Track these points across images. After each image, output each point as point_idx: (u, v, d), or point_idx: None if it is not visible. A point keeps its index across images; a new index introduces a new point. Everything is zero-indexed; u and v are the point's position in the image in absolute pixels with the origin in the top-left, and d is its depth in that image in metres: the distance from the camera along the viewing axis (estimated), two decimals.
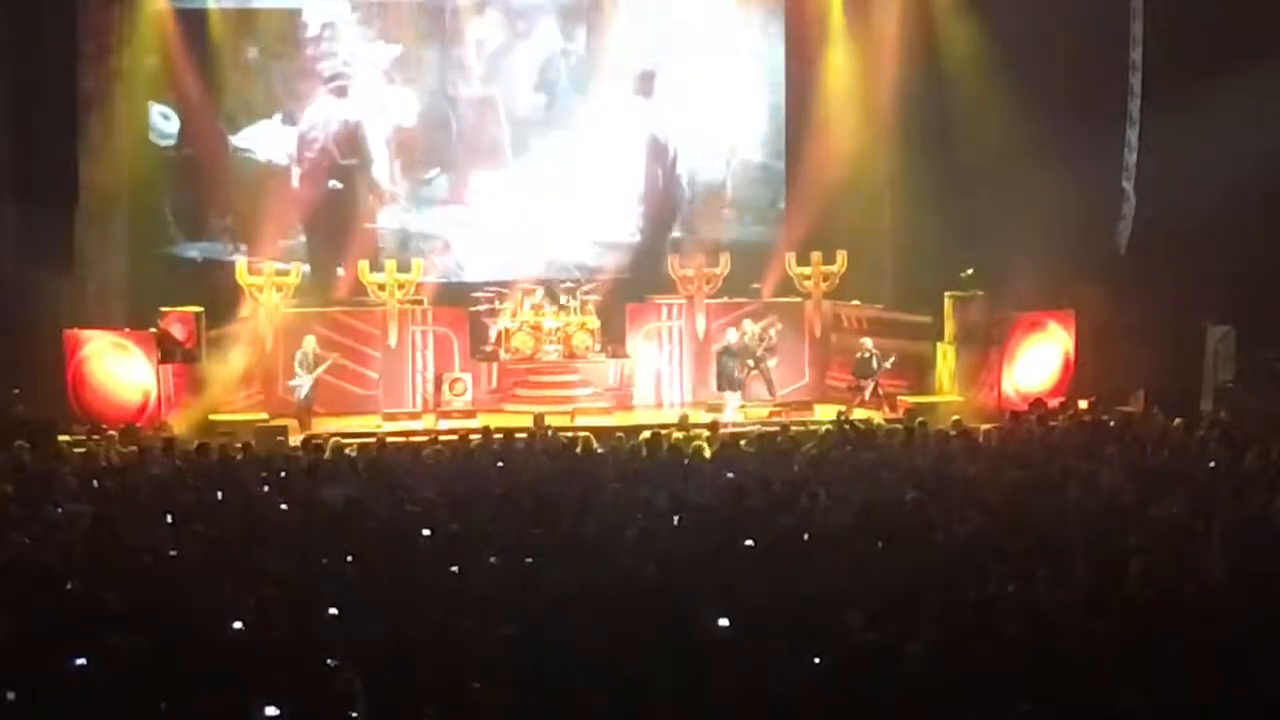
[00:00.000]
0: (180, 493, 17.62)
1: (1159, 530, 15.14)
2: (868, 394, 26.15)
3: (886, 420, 24.69)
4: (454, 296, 28.28)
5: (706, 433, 22.10)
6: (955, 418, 23.06)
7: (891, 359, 26.29)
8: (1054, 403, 25.02)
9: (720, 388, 26.61)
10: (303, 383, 25.53)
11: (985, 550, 14.58)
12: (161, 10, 27.44)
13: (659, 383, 27.89)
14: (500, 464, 19.55)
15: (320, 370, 25.71)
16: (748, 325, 27.04)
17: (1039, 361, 26.53)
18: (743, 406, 26.35)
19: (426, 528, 15.75)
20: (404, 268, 27.19)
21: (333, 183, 29.01)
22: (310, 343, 25.83)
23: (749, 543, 15.02)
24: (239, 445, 21.08)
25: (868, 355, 26.37)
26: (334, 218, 28.88)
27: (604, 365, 27.63)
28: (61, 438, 22.67)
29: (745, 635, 12.22)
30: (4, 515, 16.15)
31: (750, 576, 13.79)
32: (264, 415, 25.29)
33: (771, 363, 26.64)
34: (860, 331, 27.22)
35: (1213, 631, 11.74)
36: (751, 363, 26.82)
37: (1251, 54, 25.22)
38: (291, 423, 24.81)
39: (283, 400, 25.89)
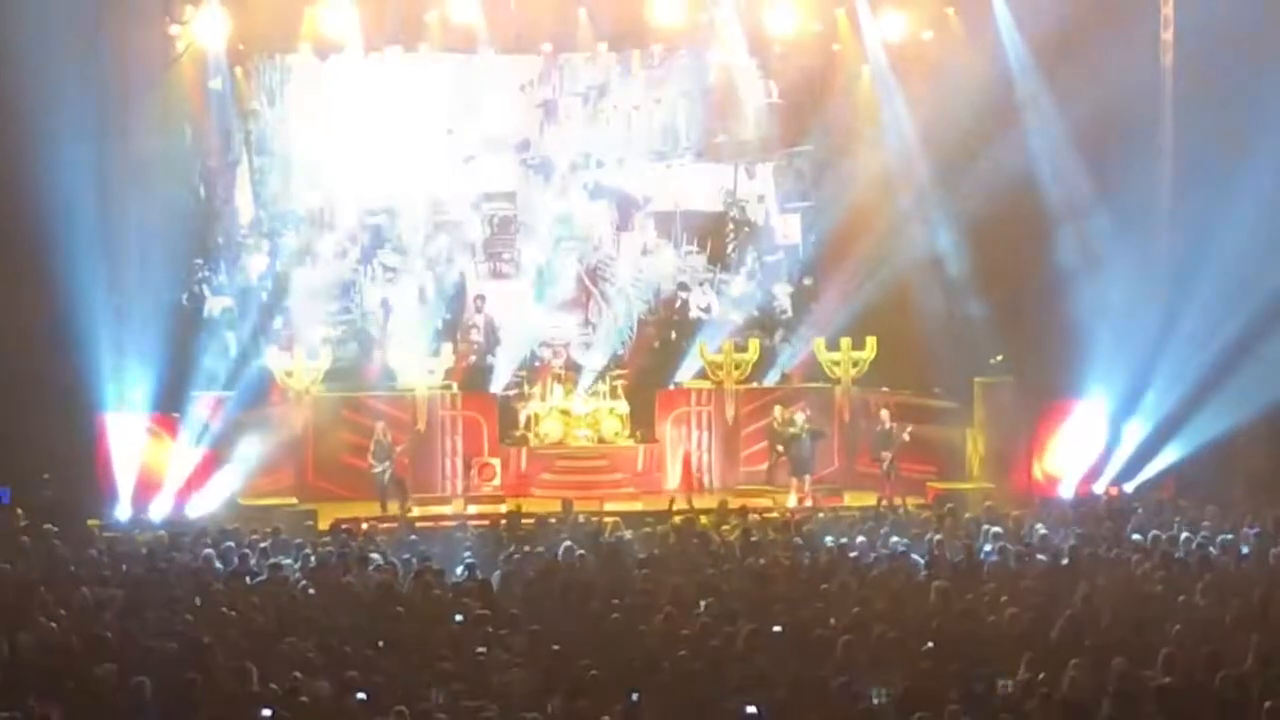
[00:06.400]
0: (209, 577, 17.63)
1: (1189, 619, 15.07)
2: (885, 466, 25.93)
3: (915, 507, 24.55)
4: (483, 381, 28.31)
5: (734, 519, 22.05)
6: (987, 504, 22.97)
7: (910, 429, 26.08)
8: (1084, 489, 24.89)
9: (793, 473, 26.50)
10: (383, 467, 25.47)
11: (1016, 637, 14.54)
12: (193, 92, 27.58)
13: (688, 468, 27.84)
14: (528, 548, 19.52)
15: (396, 453, 25.65)
16: (777, 411, 27.03)
17: (1069, 448, 26.39)
18: (772, 491, 26.29)
19: (456, 612, 15.75)
20: (434, 352, 27.27)
21: None
22: (381, 428, 25.77)
23: (777, 629, 14.99)
24: (268, 530, 21.08)
25: (886, 428, 26.23)
26: None
27: (633, 450, 27.61)
28: (91, 522, 22.71)
29: None
30: (33, 599, 16.16)
31: (778, 663, 13.76)
32: (293, 500, 25.28)
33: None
34: (889, 415, 26.99)
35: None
36: (781, 448, 26.77)
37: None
38: (377, 506, 24.82)
39: (313, 485, 25.94)
